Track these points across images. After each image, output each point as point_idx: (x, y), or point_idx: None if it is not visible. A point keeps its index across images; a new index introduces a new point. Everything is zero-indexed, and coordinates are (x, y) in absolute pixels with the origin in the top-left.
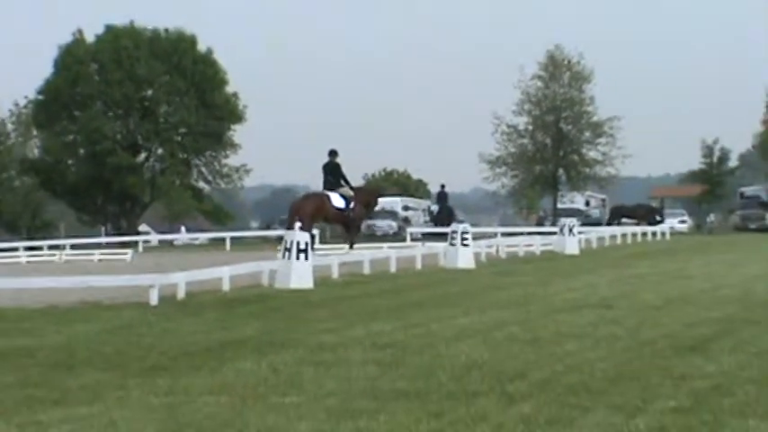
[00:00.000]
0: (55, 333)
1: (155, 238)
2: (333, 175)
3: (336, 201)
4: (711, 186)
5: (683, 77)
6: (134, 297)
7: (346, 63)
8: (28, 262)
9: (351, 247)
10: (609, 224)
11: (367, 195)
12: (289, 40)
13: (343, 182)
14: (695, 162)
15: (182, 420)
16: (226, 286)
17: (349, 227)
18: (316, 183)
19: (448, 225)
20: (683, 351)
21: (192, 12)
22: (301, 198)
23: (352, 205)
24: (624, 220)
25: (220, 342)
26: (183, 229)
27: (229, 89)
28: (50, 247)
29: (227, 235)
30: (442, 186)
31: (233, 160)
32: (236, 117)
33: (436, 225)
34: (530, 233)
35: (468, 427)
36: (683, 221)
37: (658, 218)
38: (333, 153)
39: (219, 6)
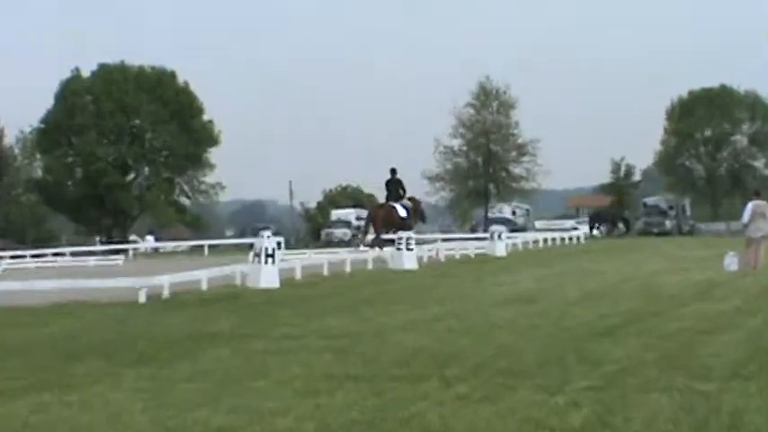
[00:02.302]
0: (57, 327)
1: (143, 246)
2: (395, 189)
3: (401, 211)
4: (619, 197)
5: (596, 102)
6: (125, 296)
7: (307, 92)
8: (36, 267)
9: None
10: (591, 228)
11: (416, 206)
12: (259, 74)
13: (403, 194)
14: (605, 176)
15: (165, 401)
16: (204, 286)
17: (405, 230)
18: (282, 197)
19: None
20: (596, 337)
21: (173, 50)
22: (378, 206)
23: (410, 214)
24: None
25: (199, 334)
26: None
27: (206, 117)
28: (54, 254)
29: (206, 243)
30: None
31: (210, 178)
32: (212, 141)
33: None
34: (465, 239)
35: (412, 403)
36: (595, 227)
37: (621, 224)
38: (394, 171)
39: (198, 46)
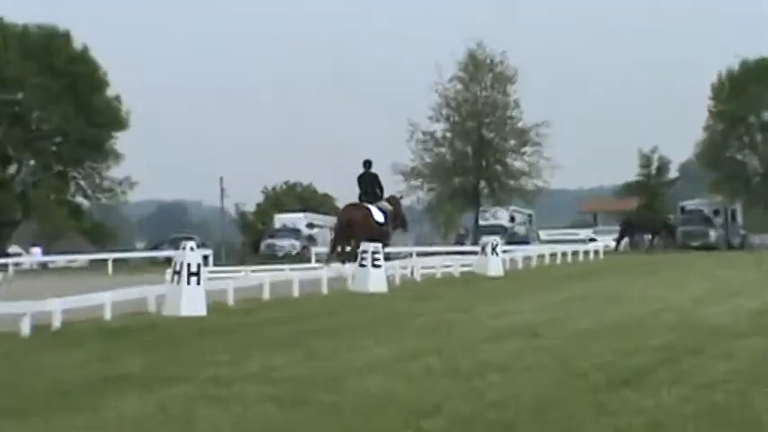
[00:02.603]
0: None
1: (27, 260)
2: (371, 186)
3: (377, 215)
4: (649, 199)
5: (617, 80)
6: (2, 327)
7: (242, 68)
8: None
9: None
10: (619, 241)
11: (397, 209)
12: (179, 43)
13: (380, 194)
14: (632, 173)
15: None
16: (107, 314)
17: (382, 243)
18: (210, 197)
19: None
20: (618, 384)
21: (67, 4)
22: (350, 207)
23: (388, 219)
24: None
25: (101, 377)
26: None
27: (110, 92)
28: None
29: (110, 256)
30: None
31: (115, 172)
32: (119, 123)
33: None
34: (448, 253)
35: None
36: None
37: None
38: (368, 163)
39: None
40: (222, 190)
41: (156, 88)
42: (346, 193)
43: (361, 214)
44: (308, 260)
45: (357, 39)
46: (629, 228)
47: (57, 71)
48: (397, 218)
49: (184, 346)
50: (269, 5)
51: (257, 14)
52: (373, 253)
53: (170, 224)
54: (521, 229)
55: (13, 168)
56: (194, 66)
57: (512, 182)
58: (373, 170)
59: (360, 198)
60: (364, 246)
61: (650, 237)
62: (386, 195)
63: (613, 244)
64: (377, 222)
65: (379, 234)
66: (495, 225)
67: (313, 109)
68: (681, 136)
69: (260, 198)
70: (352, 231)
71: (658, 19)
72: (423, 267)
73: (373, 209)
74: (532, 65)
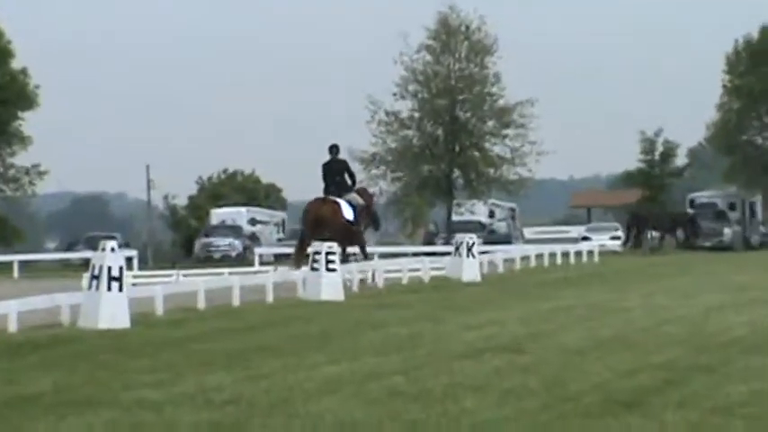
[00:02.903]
0: None
1: None
2: (339, 175)
3: (347, 212)
4: (652, 191)
5: (614, 51)
6: None
7: (172, 42)
8: None
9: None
10: (628, 238)
11: (368, 201)
12: (99, 7)
13: (352, 184)
14: (632, 160)
15: None
16: (12, 326)
17: (353, 244)
18: (134, 189)
19: None
20: (615, 408)
21: None
22: (317, 202)
23: (358, 216)
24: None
25: (4, 399)
26: None
27: (16, 64)
28: None
29: (15, 258)
30: None
31: (22, 159)
32: (26, 101)
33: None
34: (416, 254)
35: None
36: (615, 237)
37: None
38: (335, 149)
39: None
40: (149, 180)
41: (71, 60)
42: (295, 183)
43: (331, 210)
44: (251, 263)
45: None
46: (639, 222)
47: None
48: (369, 214)
49: (104, 363)
50: None
51: None
52: (327, 254)
53: (87, 220)
54: (501, 226)
55: None
56: (118, 35)
57: (491, 170)
58: (341, 156)
59: (326, 191)
60: (316, 246)
61: (660, 234)
62: (357, 187)
63: (610, 243)
64: (345, 220)
65: (346, 234)
66: (471, 221)
67: (253, 84)
68: (690, 116)
69: (193, 189)
70: (321, 230)
71: None
72: (386, 271)
73: (342, 204)
74: (515, 33)
